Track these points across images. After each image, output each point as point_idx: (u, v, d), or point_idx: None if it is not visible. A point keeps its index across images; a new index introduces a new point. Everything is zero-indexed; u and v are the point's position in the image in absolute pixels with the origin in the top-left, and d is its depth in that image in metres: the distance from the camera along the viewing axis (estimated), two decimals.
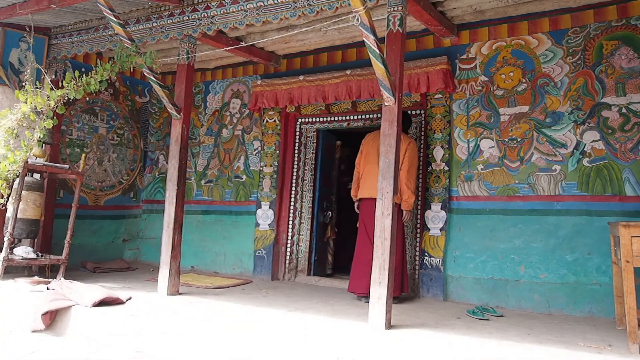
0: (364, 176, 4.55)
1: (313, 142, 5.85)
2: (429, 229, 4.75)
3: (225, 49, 5.02)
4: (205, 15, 4.44)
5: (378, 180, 3.44)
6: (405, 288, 4.46)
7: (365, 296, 4.16)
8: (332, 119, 5.63)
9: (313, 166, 5.82)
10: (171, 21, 4.62)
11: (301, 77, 5.38)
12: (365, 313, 3.44)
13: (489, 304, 4.37)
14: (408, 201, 4.38)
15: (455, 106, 4.82)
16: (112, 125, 6.46)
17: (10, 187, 4.56)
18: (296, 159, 5.79)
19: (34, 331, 3.64)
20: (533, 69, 4.50)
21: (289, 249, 5.68)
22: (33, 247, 4.96)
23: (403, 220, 4.47)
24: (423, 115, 5.03)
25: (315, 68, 5.59)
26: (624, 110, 4.12)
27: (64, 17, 5.10)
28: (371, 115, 5.37)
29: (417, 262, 4.81)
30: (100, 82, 4.27)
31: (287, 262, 5.67)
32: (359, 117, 5.47)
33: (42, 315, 3.63)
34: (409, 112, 5.03)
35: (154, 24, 4.71)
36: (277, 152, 5.79)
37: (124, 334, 3.45)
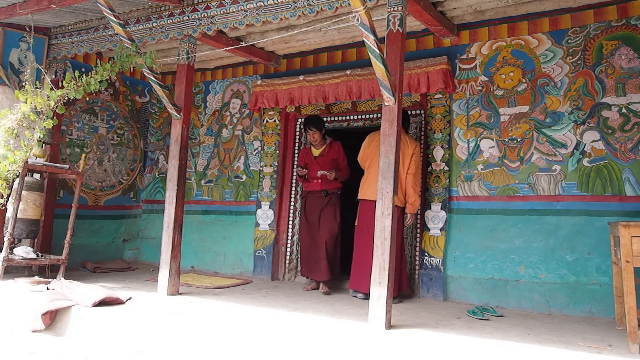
0: (368, 178, 4.57)
1: None
2: (429, 229, 4.75)
3: (225, 49, 5.02)
4: (205, 15, 4.44)
5: (378, 181, 3.44)
6: (404, 287, 4.50)
7: (364, 293, 4.33)
8: (332, 119, 5.62)
9: None
10: (171, 21, 4.62)
11: (301, 77, 5.38)
12: (365, 313, 3.44)
13: (489, 304, 4.37)
14: (414, 204, 4.47)
15: (455, 106, 4.82)
16: (112, 125, 6.46)
17: (10, 187, 4.55)
18: (296, 159, 5.79)
19: (34, 331, 3.64)
20: (533, 69, 4.50)
21: (289, 249, 5.68)
22: (33, 247, 4.96)
23: (406, 223, 4.53)
24: (423, 115, 5.03)
25: (315, 68, 5.58)
26: (624, 110, 4.12)
27: (64, 17, 5.10)
28: (371, 115, 5.37)
29: (417, 262, 4.81)
30: (100, 82, 4.27)
31: (287, 262, 5.67)
32: (359, 117, 5.47)
33: (42, 315, 3.63)
34: (409, 112, 5.04)
35: (154, 24, 4.71)
36: (277, 152, 5.79)
37: (124, 334, 3.45)
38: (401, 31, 3.53)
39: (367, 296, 4.05)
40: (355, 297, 4.58)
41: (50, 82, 4.42)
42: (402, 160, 4.37)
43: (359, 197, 4.68)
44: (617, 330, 3.51)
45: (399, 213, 4.38)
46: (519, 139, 4.50)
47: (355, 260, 4.57)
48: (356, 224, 4.68)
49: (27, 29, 5.23)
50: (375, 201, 3.98)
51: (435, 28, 4.52)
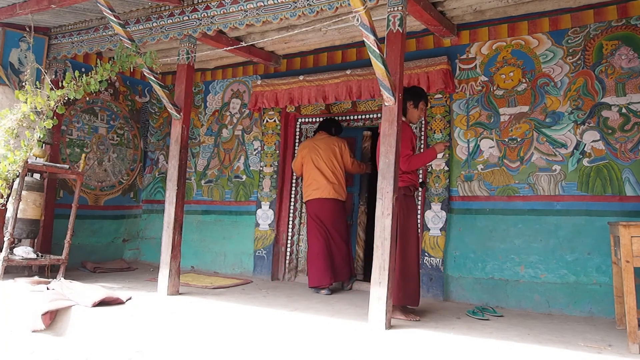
0: (309, 180, 4.99)
1: None
2: (429, 229, 4.75)
3: (225, 49, 5.02)
4: (205, 15, 4.44)
5: (378, 180, 3.44)
6: (352, 270, 5.10)
7: (321, 288, 4.79)
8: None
9: None
10: (171, 21, 4.62)
11: (301, 77, 5.38)
12: (365, 313, 3.44)
13: (489, 304, 4.37)
14: (367, 170, 5.24)
15: (455, 106, 4.82)
16: (112, 125, 6.46)
17: (10, 187, 4.55)
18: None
19: (34, 331, 3.64)
20: (533, 69, 4.50)
21: (289, 249, 5.68)
22: (33, 247, 4.96)
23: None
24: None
25: (315, 68, 5.59)
26: (624, 110, 4.12)
27: (64, 17, 5.10)
28: (371, 115, 5.37)
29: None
30: (100, 82, 4.27)
31: (287, 262, 5.67)
32: (359, 117, 5.47)
33: (42, 315, 3.63)
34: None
35: (154, 24, 4.71)
36: (277, 152, 5.79)
37: (124, 334, 3.45)
38: (401, 31, 3.53)
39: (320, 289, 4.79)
40: (317, 293, 4.83)
41: (50, 82, 4.42)
42: (334, 157, 4.93)
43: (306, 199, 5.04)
44: (617, 330, 3.51)
45: (339, 205, 4.95)
46: (519, 139, 4.50)
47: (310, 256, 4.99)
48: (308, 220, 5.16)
49: (27, 29, 5.23)
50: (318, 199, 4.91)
51: (435, 28, 4.52)
